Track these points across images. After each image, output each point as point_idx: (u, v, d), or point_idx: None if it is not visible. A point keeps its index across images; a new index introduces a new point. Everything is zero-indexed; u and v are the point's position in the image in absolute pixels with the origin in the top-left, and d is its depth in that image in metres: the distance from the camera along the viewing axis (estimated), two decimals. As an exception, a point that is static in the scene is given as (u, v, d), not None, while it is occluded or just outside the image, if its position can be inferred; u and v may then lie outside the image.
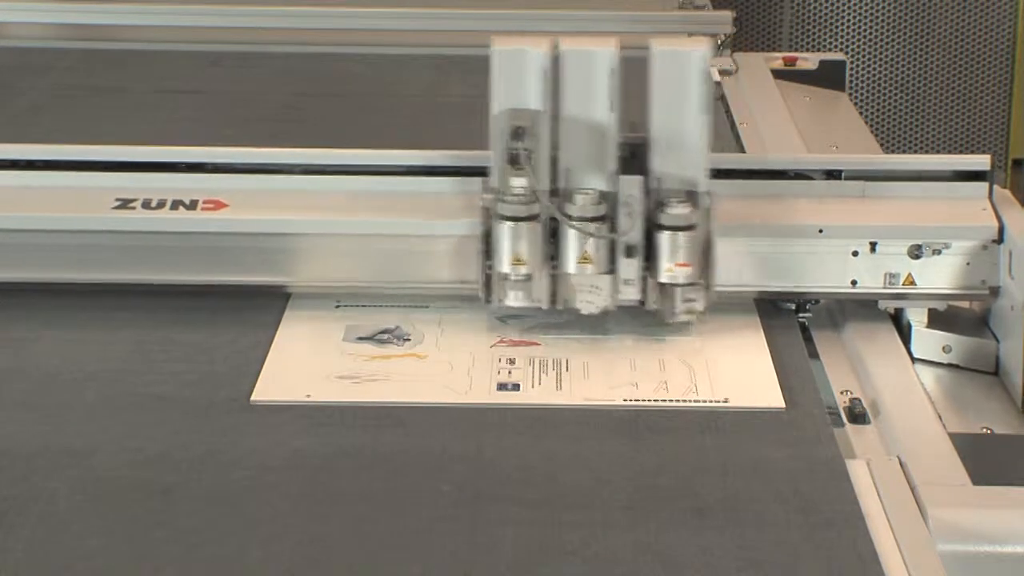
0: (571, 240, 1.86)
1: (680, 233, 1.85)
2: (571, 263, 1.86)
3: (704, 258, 1.86)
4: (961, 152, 4.27)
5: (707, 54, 1.86)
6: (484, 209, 1.87)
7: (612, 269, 1.87)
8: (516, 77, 1.85)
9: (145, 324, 1.93)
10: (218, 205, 1.98)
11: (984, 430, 1.81)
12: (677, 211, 1.85)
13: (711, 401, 1.77)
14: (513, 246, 1.85)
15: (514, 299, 1.88)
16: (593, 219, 1.85)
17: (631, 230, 1.85)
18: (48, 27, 3.06)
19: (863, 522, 1.54)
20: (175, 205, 1.98)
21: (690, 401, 1.77)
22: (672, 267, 1.85)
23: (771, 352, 1.87)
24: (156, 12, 3.04)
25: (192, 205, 1.98)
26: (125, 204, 1.98)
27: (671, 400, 1.77)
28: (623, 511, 1.56)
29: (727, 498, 1.58)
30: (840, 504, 1.57)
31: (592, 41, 1.87)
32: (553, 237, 1.87)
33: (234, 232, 1.97)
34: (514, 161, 1.81)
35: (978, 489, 1.63)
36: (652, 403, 1.77)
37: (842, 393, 1.84)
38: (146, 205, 1.98)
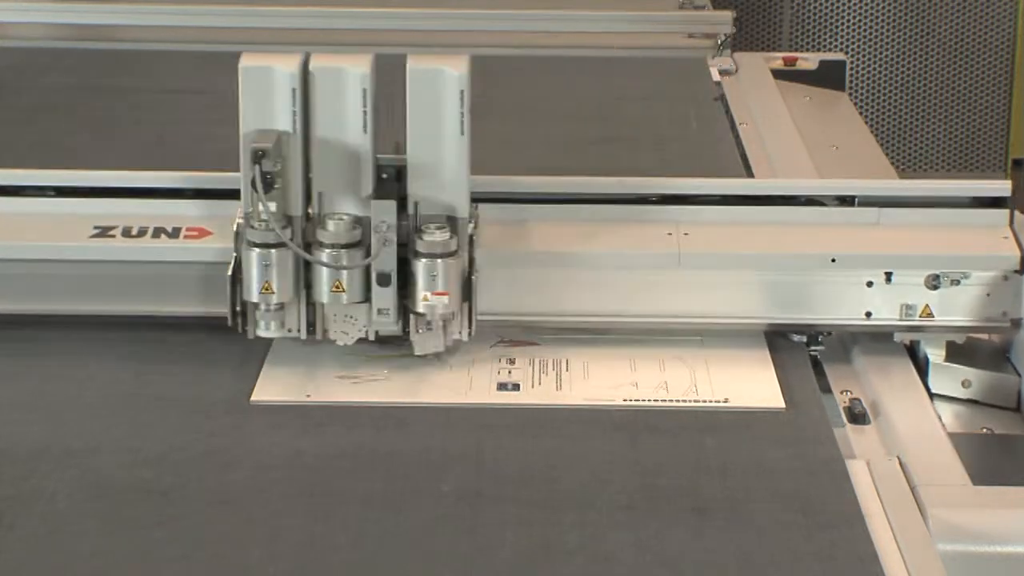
0: (323, 269, 1.77)
1: (438, 260, 1.77)
2: (324, 292, 1.78)
3: (466, 288, 1.80)
4: (962, 153, 4.27)
5: (464, 74, 1.75)
6: (236, 234, 1.78)
7: (368, 298, 1.79)
8: (263, 96, 1.76)
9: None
10: (202, 232, 1.91)
11: (984, 431, 1.81)
12: (434, 237, 1.77)
13: (711, 401, 1.77)
14: (262, 274, 1.77)
15: (265, 329, 1.80)
16: (347, 246, 1.76)
17: (381, 256, 1.76)
18: (47, 27, 3.06)
19: (863, 522, 1.54)
20: (157, 233, 1.90)
21: (690, 401, 1.77)
22: (429, 296, 1.79)
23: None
24: (157, 12, 3.05)
25: (175, 233, 1.90)
26: (104, 232, 1.90)
27: (671, 400, 1.77)
28: (623, 511, 1.56)
29: (727, 498, 1.58)
30: (840, 504, 1.57)
31: (346, 59, 1.77)
32: (308, 265, 1.79)
33: (219, 261, 1.84)
34: (254, 186, 1.71)
35: (978, 489, 1.63)
36: (652, 403, 1.77)
37: (842, 393, 1.83)
38: (126, 233, 1.90)
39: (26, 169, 1.99)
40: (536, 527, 1.53)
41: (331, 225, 1.77)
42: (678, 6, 3.17)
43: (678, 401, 1.77)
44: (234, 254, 1.79)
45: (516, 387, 1.80)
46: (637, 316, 1.90)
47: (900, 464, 1.66)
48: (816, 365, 1.89)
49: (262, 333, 1.81)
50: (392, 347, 1.87)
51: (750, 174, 2.37)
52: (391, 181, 1.80)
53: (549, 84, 2.84)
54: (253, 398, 1.77)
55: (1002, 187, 1.94)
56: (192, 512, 1.56)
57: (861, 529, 1.53)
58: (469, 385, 1.80)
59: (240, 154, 1.75)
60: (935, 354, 1.90)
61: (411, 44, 2.98)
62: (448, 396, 1.78)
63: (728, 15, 3.06)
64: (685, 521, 1.54)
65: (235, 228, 1.79)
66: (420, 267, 1.77)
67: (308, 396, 1.77)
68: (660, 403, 1.76)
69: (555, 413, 1.75)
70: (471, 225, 1.80)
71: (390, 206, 1.77)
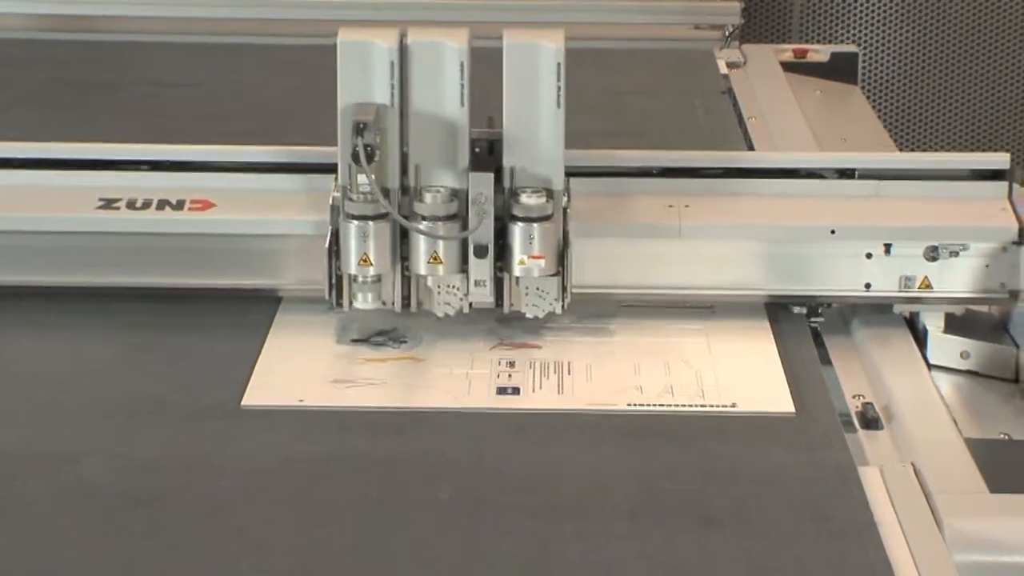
0: (421, 240, 1.85)
1: (534, 224, 1.84)
2: (421, 264, 1.86)
3: (561, 257, 1.86)
4: (980, 148, 4.27)
5: (561, 47, 1.83)
6: (332, 207, 1.86)
7: (463, 269, 1.86)
8: (362, 70, 1.84)
9: (130, 328, 1.92)
10: (206, 205, 1.97)
11: (1002, 436, 1.81)
12: (531, 201, 1.84)
13: (719, 406, 1.77)
14: (360, 246, 1.84)
15: (363, 302, 1.87)
16: (444, 218, 1.84)
17: (480, 228, 1.83)
18: (33, 17, 3.05)
19: (876, 531, 1.53)
20: (161, 205, 1.97)
21: (697, 406, 1.77)
22: (525, 259, 1.85)
23: (781, 357, 1.87)
24: (147, 3, 3.04)
25: (179, 205, 1.97)
26: (109, 204, 1.97)
27: (677, 405, 1.77)
28: (627, 520, 1.56)
29: (735, 506, 1.58)
30: (852, 513, 1.57)
31: (444, 33, 1.85)
32: (404, 237, 1.86)
33: (222, 233, 1.96)
34: (356, 158, 1.80)
35: (996, 497, 1.63)
36: (657, 408, 1.77)
37: (854, 398, 1.84)
38: (131, 205, 1.97)
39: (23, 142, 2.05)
40: (537, 536, 1.53)
41: (428, 198, 1.83)
42: (686, -4, 3.17)
43: (684, 406, 1.77)
44: (330, 227, 1.85)
45: (516, 391, 1.79)
46: (636, 288, 1.95)
47: (915, 471, 1.66)
48: (816, 337, 1.94)
49: (359, 305, 1.88)
50: (387, 350, 1.87)
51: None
52: (484, 155, 1.86)
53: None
54: (244, 402, 1.76)
55: (1001, 159, 2.00)
56: (181, 521, 1.55)
57: (874, 539, 1.52)
58: (468, 389, 1.80)
59: (339, 127, 1.83)
60: (934, 326, 1.95)
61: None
62: (446, 400, 1.78)
63: (736, 5, 3.06)
64: (691, 530, 1.54)
65: (331, 201, 1.85)
66: (517, 231, 1.84)
67: (301, 401, 1.77)
68: (666, 408, 1.76)
69: (557, 418, 1.75)
70: (565, 197, 1.85)
71: (487, 178, 1.84)
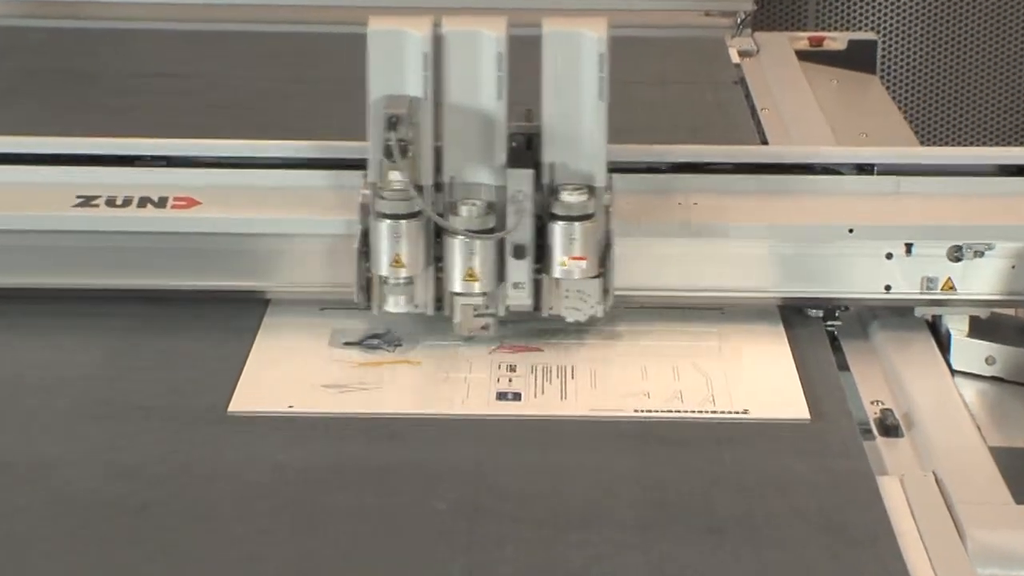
0: (456, 255, 1.84)
1: (575, 223, 1.84)
2: (456, 281, 1.85)
3: (603, 258, 1.86)
4: (1007, 142, 4.27)
5: (604, 36, 1.83)
6: (362, 206, 1.86)
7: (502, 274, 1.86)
8: (394, 61, 1.83)
9: (112, 332, 1.93)
10: (190, 202, 1.98)
11: (1028, 444, 1.82)
12: (572, 198, 1.84)
13: (730, 412, 1.78)
14: (392, 247, 1.84)
15: (394, 305, 1.87)
16: (481, 232, 1.83)
17: (517, 228, 1.83)
18: (5, 3, 3.06)
19: (895, 543, 1.54)
20: (143, 202, 1.97)
21: (707, 412, 1.78)
22: (566, 260, 1.85)
23: (796, 362, 1.88)
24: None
25: (162, 203, 1.98)
26: (88, 201, 1.98)
27: (686, 411, 1.78)
28: (633, 530, 1.57)
29: (746, 516, 1.59)
30: (870, 523, 1.58)
31: (480, 21, 1.85)
32: (438, 237, 1.86)
33: (207, 232, 1.96)
34: (389, 154, 1.80)
35: (1021, 508, 1.63)
36: (665, 414, 1.78)
37: (873, 403, 1.85)
38: (111, 203, 1.97)
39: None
40: (538, 546, 1.54)
41: (464, 210, 1.83)
42: (694, -19, 3.18)
43: (693, 412, 1.78)
44: (360, 226, 1.85)
45: (517, 396, 1.81)
46: (643, 290, 1.95)
47: (936, 480, 1.67)
48: (833, 341, 1.94)
49: (390, 308, 1.87)
50: (381, 353, 1.88)
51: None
52: (521, 150, 1.86)
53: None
54: (231, 408, 1.78)
55: None
56: (168, 530, 1.56)
57: (893, 551, 1.53)
58: (466, 394, 1.81)
59: (369, 121, 1.83)
60: (957, 329, 1.95)
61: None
62: (443, 406, 1.79)
63: (749, -9, 3.07)
64: (700, 541, 1.55)
65: (360, 199, 1.85)
66: (557, 230, 1.84)
67: (291, 407, 1.78)
68: (674, 414, 1.77)
69: (559, 425, 1.76)
70: (608, 195, 1.85)
71: (526, 175, 1.83)
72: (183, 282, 1.97)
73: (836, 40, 3.05)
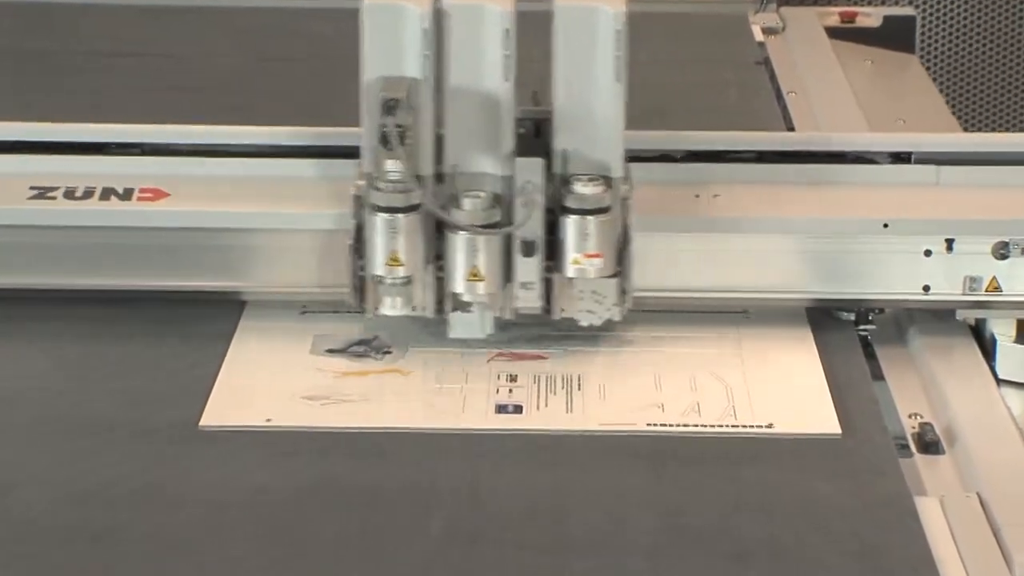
0: (459, 252, 1.84)
1: (590, 217, 1.84)
2: (459, 281, 1.85)
3: (620, 256, 1.86)
4: (1057, 127, 4.28)
5: (622, 11, 1.82)
6: (356, 198, 1.86)
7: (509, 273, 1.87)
8: (390, 39, 1.83)
9: (70, 337, 1.94)
10: (157, 194, 1.99)
11: (1081, 462, 1.83)
12: (586, 190, 1.84)
13: (753, 426, 1.79)
14: (388, 243, 1.84)
15: (391, 307, 1.87)
16: (486, 227, 1.83)
17: (528, 222, 1.84)
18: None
19: (935, 571, 1.55)
20: (106, 194, 1.98)
21: (727, 427, 1.79)
22: (580, 258, 1.86)
23: (825, 370, 1.89)
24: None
25: (126, 194, 1.98)
26: (43, 193, 1.98)
27: (704, 425, 1.80)
28: (645, 557, 1.58)
29: (770, 542, 1.60)
30: (907, 549, 1.59)
31: None
32: (438, 232, 1.86)
33: (177, 227, 1.97)
34: (385, 141, 1.80)
35: (1073, 533, 1.65)
36: (681, 429, 1.79)
37: (910, 417, 1.86)
38: (69, 195, 1.98)
39: None
40: (541, 574, 1.55)
41: (467, 203, 1.83)
42: (714, -48, 3.19)
43: (712, 426, 1.79)
44: (353, 221, 1.85)
45: (518, 409, 1.82)
46: (658, 291, 1.96)
47: (980, 501, 1.68)
48: (866, 347, 1.95)
49: (386, 311, 1.87)
50: (369, 361, 1.89)
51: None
52: (529, 137, 1.86)
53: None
54: (202, 423, 1.78)
55: None
56: (132, 558, 1.57)
57: (932, 578, 1.54)
58: (462, 407, 1.82)
59: (362, 106, 1.83)
60: (1003, 334, 1.96)
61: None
62: (437, 420, 1.80)
63: (774, -38, 3.08)
64: (719, 569, 1.56)
65: (353, 191, 1.85)
66: (569, 225, 1.84)
67: (268, 420, 1.79)
68: (691, 429, 1.78)
69: (564, 441, 1.77)
70: (626, 186, 1.85)
71: (536, 164, 1.84)
72: (151, 282, 1.98)
73: (870, 16, 3.06)
